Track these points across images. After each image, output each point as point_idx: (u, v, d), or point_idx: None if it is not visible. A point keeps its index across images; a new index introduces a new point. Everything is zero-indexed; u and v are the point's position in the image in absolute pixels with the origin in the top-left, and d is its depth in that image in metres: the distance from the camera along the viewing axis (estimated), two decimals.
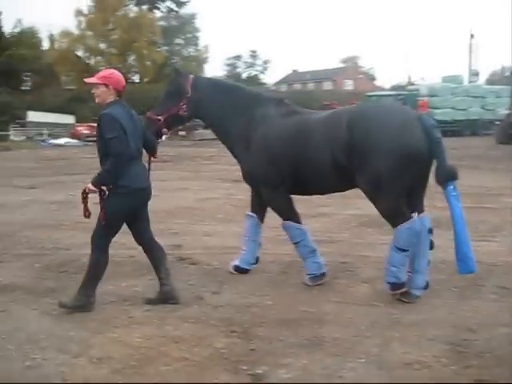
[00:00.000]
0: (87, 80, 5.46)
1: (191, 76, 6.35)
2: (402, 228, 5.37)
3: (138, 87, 43.15)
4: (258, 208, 6.44)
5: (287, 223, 6.08)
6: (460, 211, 5.25)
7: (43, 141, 32.91)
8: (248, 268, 6.47)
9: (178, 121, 6.36)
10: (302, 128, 5.80)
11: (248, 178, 6.19)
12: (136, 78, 51.36)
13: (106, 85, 5.26)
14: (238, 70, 74.65)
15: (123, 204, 5.24)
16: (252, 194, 6.46)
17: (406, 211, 5.43)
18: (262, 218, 6.50)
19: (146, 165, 5.59)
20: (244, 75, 71.91)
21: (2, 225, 9.33)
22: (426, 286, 5.65)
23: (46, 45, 49.49)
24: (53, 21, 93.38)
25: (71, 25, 48.40)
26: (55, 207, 11.14)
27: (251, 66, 75.01)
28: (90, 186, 5.13)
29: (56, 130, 37.54)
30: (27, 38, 47.37)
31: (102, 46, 48.62)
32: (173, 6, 57.67)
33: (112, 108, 5.20)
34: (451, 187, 5.25)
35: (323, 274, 6.09)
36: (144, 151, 5.55)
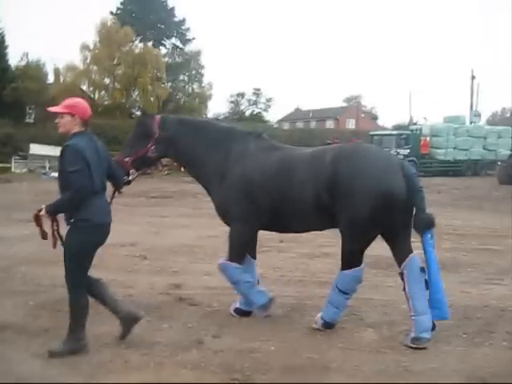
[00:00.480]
0: (51, 109, 5.16)
1: (158, 116, 6.30)
2: (349, 272, 5.53)
3: None
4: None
5: (226, 264, 6.02)
6: (435, 258, 5.42)
7: (45, 173, 32.80)
8: (250, 310, 6.25)
9: (147, 162, 6.23)
10: (286, 164, 5.78)
11: (221, 212, 6.13)
12: (139, 113, 51.67)
13: (71, 114, 5.03)
14: (241, 107, 75.03)
15: (86, 239, 4.99)
16: None
17: (361, 258, 5.58)
18: (253, 255, 6.37)
19: (109, 199, 5.40)
20: (247, 113, 72.24)
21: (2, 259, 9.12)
22: (433, 327, 5.44)
23: (51, 78, 49.80)
24: (59, 55, 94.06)
25: (77, 59, 48.76)
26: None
27: (254, 103, 75.41)
28: (43, 211, 4.92)
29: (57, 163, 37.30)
30: (33, 71, 47.62)
31: (107, 80, 48.87)
32: (178, 42, 58.33)
33: (76, 139, 4.96)
34: (429, 235, 5.38)
35: (268, 303, 6.05)
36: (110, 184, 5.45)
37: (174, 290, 7.12)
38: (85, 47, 47.17)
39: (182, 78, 57.67)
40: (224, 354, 5.11)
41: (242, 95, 75.24)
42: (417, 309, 5.37)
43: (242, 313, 6.24)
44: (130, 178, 6.01)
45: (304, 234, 6.55)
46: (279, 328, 5.86)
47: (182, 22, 57.73)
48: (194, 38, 58.34)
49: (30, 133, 38.99)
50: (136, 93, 49.32)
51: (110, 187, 5.42)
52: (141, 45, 51.25)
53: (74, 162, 4.81)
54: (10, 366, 4.82)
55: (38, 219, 4.99)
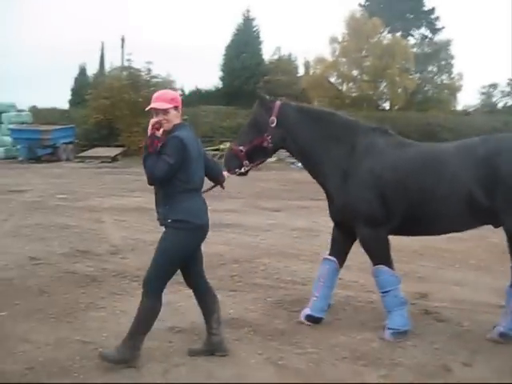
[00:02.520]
0: (159, 106, 4.64)
1: (278, 102, 5.67)
2: None
3: (388, 114, 42.52)
4: (340, 251, 5.78)
5: (381, 268, 5.39)
6: None
7: (293, 163, 33.62)
8: (321, 316, 5.68)
9: (262, 153, 5.69)
10: (427, 161, 5.34)
11: (343, 214, 5.51)
12: (386, 105, 50.81)
13: (175, 107, 4.71)
14: (494, 99, 70.19)
15: (186, 242, 4.66)
16: (333, 234, 5.84)
17: None
18: (341, 262, 5.80)
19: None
20: (500, 105, 67.36)
21: (244, 248, 9.19)
22: None
23: (301, 71, 51.18)
24: (309, 48, 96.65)
25: (326, 52, 49.45)
26: (296, 234, 10.78)
27: (508, 94, 70.04)
28: (155, 134, 4.52)
29: None
30: (284, 64, 49.32)
31: (355, 72, 48.82)
32: (427, 32, 56.27)
33: (182, 131, 4.64)
34: None
35: (406, 332, 5.35)
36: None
37: (419, 300, 6.44)
38: (334, 40, 47.50)
39: (430, 68, 55.44)
40: None
41: (494, 86, 70.37)
42: None
43: (314, 319, 5.68)
44: (243, 170, 5.59)
45: None
46: None
47: (431, 11, 55.46)
48: (443, 27, 55.72)
49: None
50: (383, 84, 48.48)
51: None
52: (389, 36, 50.26)
53: (174, 155, 4.48)
54: (242, 370, 4.59)
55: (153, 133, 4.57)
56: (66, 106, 46.06)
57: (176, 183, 4.56)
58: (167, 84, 39.38)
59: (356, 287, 7.00)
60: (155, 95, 4.73)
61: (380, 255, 5.44)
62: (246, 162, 5.57)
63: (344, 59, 47.82)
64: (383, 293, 5.44)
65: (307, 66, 49.87)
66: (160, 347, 5.02)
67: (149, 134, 4.55)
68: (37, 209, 13.19)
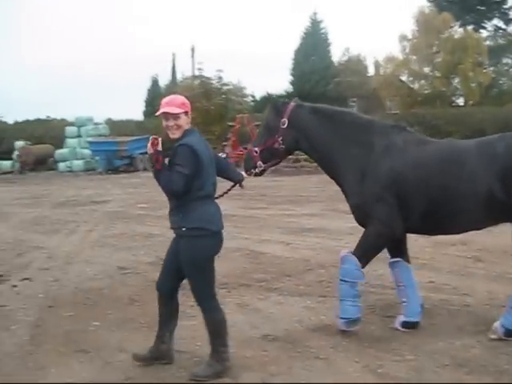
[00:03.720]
0: (171, 111, 4.53)
1: (292, 104, 5.64)
2: None
3: (463, 110, 41.41)
4: (399, 250, 5.68)
5: (352, 258, 5.37)
6: None
7: None
8: (417, 320, 5.53)
9: (275, 154, 5.67)
10: (447, 158, 5.27)
11: (360, 214, 5.49)
12: (460, 101, 49.55)
13: (186, 112, 4.59)
14: None
15: (204, 249, 4.54)
16: None
17: None
18: (407, 258, 5.72)
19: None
20: None
21: (329, 252, 9.05)
22: None
23: (371, 71, 50.62)
24: (378, 47, 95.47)
25: (395, 50, 48.72)
26: None
27: None
28: (157, 149, 4.42)
29: None
30: (354, 65, 48.89)
31: (426, 69, 47.83)
32: (500, 23, 54.54)
33: (192, 138, 4.53)
34: None
35: (358, 320, 5.42)
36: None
37: None
38: (403, 37, 46.69)
39: (505, 61, 53.73)
40: None
41: None
42: None
43: (412, 325, 5.52)
44: (257, 170, 5.63)
45: None
46: None
47: (504, 1, 53.70)
48: None
49: None
50: (456, 80, 47.28)
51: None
52: (460, 30, 48.96)
53: (187, 165, 4.39)
54: (340, 378, 4.49)
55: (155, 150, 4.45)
56: (140, 117, 47.15)
57: (189, 191, 4.47)
58: (238, 91, 39.75)
59: (449, 290, 6.77)
60: (165, 100, 4.66)
61: (367, 251, 5.41)
62: (260, 162, 5.61)
63: (415, 57, 46.95)
64: (342, 281, 5.41)
65: (377, 65, 49.27)
66: (255, 356, 4.97)
67: (149, 152, 4.49)
68: (120, 218, 13.47)
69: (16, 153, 33.89)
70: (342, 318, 5.39)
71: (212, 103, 32.64)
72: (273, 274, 7.62)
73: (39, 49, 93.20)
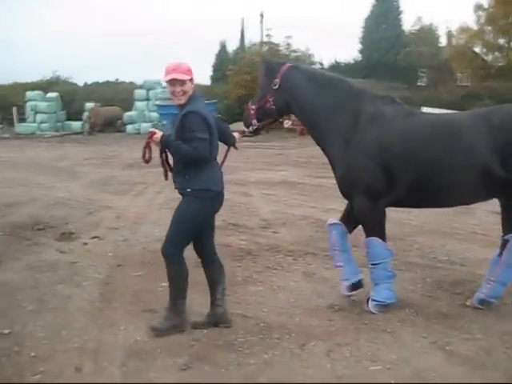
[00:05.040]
0: (179, 77, 4.64)
1: (287, 65, 5.54)
2: None
3: None
4: (350, 221, 5.57)
5: (374, 240, 5.27)
6: None
7: None
8: (359, 279, 5.60)
9: (268, 114, 5.59)
10: (438, 130, 5.12)
11: (345, 184, 5.32)
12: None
13: (191, 79, 4.74)
14: None
15: (205, 208, 4.78)
16: (347, 206, 5.61)
17: None
18: (350, 229, 5.66)
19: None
20: None
21: (395, 225, 8.89)
22: None
23: (443, 41, 49.11)
24: (451, 17, 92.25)
25: (470, 20, 47.01)
26: (450, 211, 10.31)
27: None
28: (159, 136, 4.62)
29: None
30: (426, 34, 47.54)
31: (501, 41, 46.07)
32: None
33: (197, 104, 4.71)
34: None
35: (389, 305, 5.31)
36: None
37: None
38: (478, 7, 44.93)
39: None
40: None
41: None
42: None
43: (354, 286, 5.57)
44: (250, 128, 5.62)
45: None
46: None
47: None
48: None
49: (421, 96, 39.06)
50: None
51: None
52: None
53: (203, 129, 4.57)
54: (407, 354, 4.43)
55: (148, 143, 4.74)
56: (207, 81, 47.25)
57: None
58: (306, 58, 39.29)
59: None
60: (171, 66, 4.72)
61: (375, 227, 5.31)
62: (254, 121, 5.58)
63: (490, 27, 45.23)
64: (373, 265, 5.34)
65: (450, 35, 47.67)
66: (321, 325, 4.97)
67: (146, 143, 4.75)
68: None
69: (86, 114, 34.60)
70: (373, 300, 5.31)
71: (312, 67, 32.41)
72: None
73: (109, 16, 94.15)
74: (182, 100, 4.70)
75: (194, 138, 4.50)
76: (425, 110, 36.64)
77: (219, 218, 9.17)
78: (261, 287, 5.92)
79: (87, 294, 5.85)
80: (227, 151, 5.25)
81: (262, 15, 45.53)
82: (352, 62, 46.96)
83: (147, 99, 34.99)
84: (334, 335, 4.77)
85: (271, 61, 5.83)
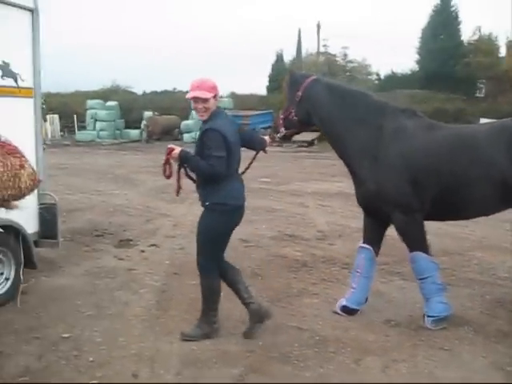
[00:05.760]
0: (201, 95, 4.72)
1: (311, 78, 5.58)
2: None
3: None
4: (374, 238, 5.58)
5: (418, 254, 5.21)
6: None
7: None
8: (357, 308, 5.53)
9: (292, 124, 5.64)
10: (459, 143, 5.17)
11: (375, 199, 5.25)
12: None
13: (215, 96, 4.80)
14: None
15: (224, 222, 4.86)
16: (365, 221, 5.63)
17: None
18: (377, 250, 5.59)
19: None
20: None
21: (453, 239, 8.76)
22: None
23: (503, 51, 48.05)
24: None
25: None
26: (509, 226, 10.06)
27: None
28: (177, 152, 4.76)
29: None
30: (485, 45, 46.61)
31: None
32: None
33: (218, 121, 4.75)
34: None
35: (446, 318, 5.23)
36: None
37: None
38: None
39: None
40: None
41: None
42: None
43: (349, 311, 5.52)
44: (279, 135, 5.68)
45: None
46: None
47: None
48: None
49: (480, 107, 38.35)
50: None
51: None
52: None
53: (221, 147, 4.63)
54: (467, 373, 4.34)
55: (167, 159, 4.87)
56: (263, 91, 47.43)
57: None
58: (363, 68, 39.11)
59: None
60: (195, 83, 4.80)
61: (416, 241, 5.26)
62: (282, 129, 5.65)
63: None
64: (421, 279, 5.28)
65: (510, 46, 46.62)
66: (377, 340, 4.93)
67: (172, 161, 4.87)
68: None
69: (144, 122, 35.18)
70: (429, 317, 5.23)
71: (337, 80, 32.33)
72: (394, 257, 7.45)
73: (170, 24, 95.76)
74: (205, 116, 4.81)
75: (210, 155, 4.62)
76: (483, 121, 36.09)
77: (275, 229, 9.28)
78: (316, 299, 5.90)
79: (144, 302, 5.94)
80: (255, 156, 5.39)
81: (318, 25, 45.53)
82: (409, 72, 46.42)
83: None
84: (389, 351, 4.71)
85: (295, 72, 5.86)
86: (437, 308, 5.23)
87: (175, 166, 4.90)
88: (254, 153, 5.35)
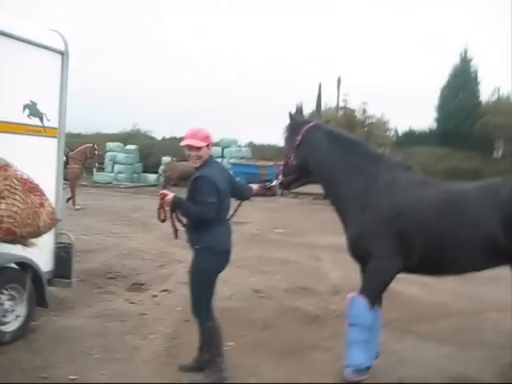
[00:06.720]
0: (195, 144, 5.01)
1: (311, 123, 5.62)
2: None
3: None
4: None
5: (360, 300, 5.09)
6: None
7: None
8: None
9: (291, 170, 5.65)
10: (449, 203, 5.09)
11: (357, 246, 5.22)
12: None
13: (208, 145, 5.08)
14: None
15: (210, 265, 5.00)
16: (361, 270, 5.41)
17: None
18: (380, 300, 5.41)
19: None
20: None
21: (469, 299, 8.63)
22: None
23: None
24: None
25: None
26: None
27: None
28: (170, 197, 4.98)
29: None
30: (504, 105, 46.87)
31: None
32: None
33: (210, 169, 5.01)
34: None
35: (367, 369, 5.16)
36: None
37: None
38: None
39: None
40: None
41: None
42: None
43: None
44: (275, 182, 5.71)
45: None
46: None
47: None
48: None
49: (496, 167, 38.33)
50: None
51: None
52: None
53: (211, 194, 4.83)
54: None
55: (161, 204, 5.08)
56: (281, 142, 47.85)
57: None
58: (381, 124, 39.33)
59: None
60: (190, 133, 5.09)
61: (370, 289, 5.18)
62: (280, 176, 5.69)
63: None
64: (350, 325, 5.17)
65: None
66: None
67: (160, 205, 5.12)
68: (257, 242, 13.60)
69: (162, 167, 35.50)
70: (348, 366, 5.13)
71: (355, 135, 32.49)
72: (408, 315, 7.38)
73: (189, 70, 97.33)
74: (197, 163, 5.05)
75: (202, 201, 4.81)
76: None
77: (289, 281, 9.21)
78: (328, 355, 5.82)
79: (153, 347, 5.90)
80: (240, 203, 5.61)
81: (339, 80, 46.09)
82: (427, 130, 46.68)
83: (222, 156, 35.66)
84: None
85: (295, 118, 5.87)
86: (358, 358, 5.12)
87: (169, 210, 5.10)
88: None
